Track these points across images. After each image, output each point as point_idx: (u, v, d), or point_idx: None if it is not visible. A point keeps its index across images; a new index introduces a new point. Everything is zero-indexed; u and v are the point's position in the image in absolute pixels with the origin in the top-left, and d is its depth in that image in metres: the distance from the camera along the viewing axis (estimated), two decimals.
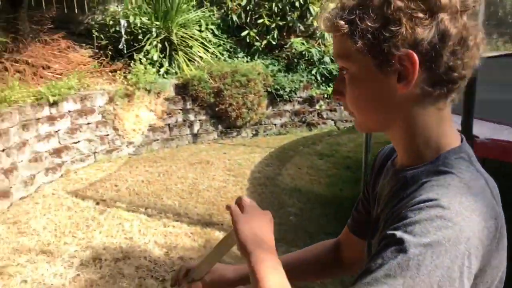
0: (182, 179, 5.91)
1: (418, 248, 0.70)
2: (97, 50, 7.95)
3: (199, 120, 7.77)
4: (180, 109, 7.58)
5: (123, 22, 7.52)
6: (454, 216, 0.72)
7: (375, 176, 1.06)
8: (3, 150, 5.20)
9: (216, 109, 7.67)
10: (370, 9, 0.78)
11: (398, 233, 0.73)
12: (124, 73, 7.28)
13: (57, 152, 6.09)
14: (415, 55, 0.77)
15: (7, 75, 6.45)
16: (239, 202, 1.02)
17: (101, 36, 8.04)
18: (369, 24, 0.78)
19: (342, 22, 0.81)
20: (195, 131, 7.75)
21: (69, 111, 6.28)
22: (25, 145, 5.60)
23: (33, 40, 7.09)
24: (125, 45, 7.56)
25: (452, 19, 0.77)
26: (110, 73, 7.34)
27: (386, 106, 0.85)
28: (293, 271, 1.04)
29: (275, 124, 8.41)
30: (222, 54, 8.31)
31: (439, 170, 0.80)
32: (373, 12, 0.78)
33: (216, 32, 8.50)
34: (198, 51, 7.81)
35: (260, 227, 0.96)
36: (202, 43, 7.93)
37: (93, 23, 8.34)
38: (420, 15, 0.76)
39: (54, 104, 6.04)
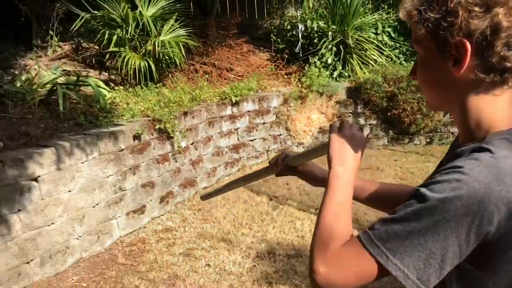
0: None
1: (432, 201, 0.83)
2: (274, 54, 8.35)
3: (370, 125, 7.63)
4: (351, 113, 7.54)
5: (300, 26, 7.76)
6: (470, 181, 0.82)
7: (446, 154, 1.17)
8: (192, 144, 5.78)
9: (389, 114, 7.44)
10: (436, 2, 0.90)
11: (422, 189, 0.86)
12: (298, 75, 7.51)
13: (235, 148, 6.55)
14: (467, 43, 0.87)
15: (197, 76, 7.16)
16: (340, 125, 1.17)
17: (278, 40, 8.41)
18: (432, 15, 0.90)
19: (414, 11, 0.93)
20: (365, 135, 7.62)
21: (248, 111, 6.71)
22: (210, 140, 6.14)
23: (219, 44, 7.73)
24: (301, 49, 7.79)
25: (506, 13, 0.85)
26: (285, 76, 7.63)
27: (445, 88, 0.97)
28: (369, 197, 1.36)
29: (452, 133, 7.83)
30: (398, 57, 8.03)
31: (479, 147, 0.89)
32: (438, 4, 0.90)
33: (393, 35, 8.25)
34: (373, 54, 7.67)
35: (349, 148, 1.10)
36: (377, 46, 7.77)
37: (272, 27, 8.76)
38: (476, 8, 0.86)
39: (235, 104, 6.51)
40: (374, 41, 7.77)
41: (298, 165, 1.46)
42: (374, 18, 8.11)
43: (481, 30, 0.86)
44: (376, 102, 7.37)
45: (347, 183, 1.06)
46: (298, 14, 8.05)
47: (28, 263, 3.73)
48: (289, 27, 8.31)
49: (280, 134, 7.04)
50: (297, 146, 7.15)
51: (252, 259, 4.05)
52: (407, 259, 0.84)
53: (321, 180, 1.42)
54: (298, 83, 7.37)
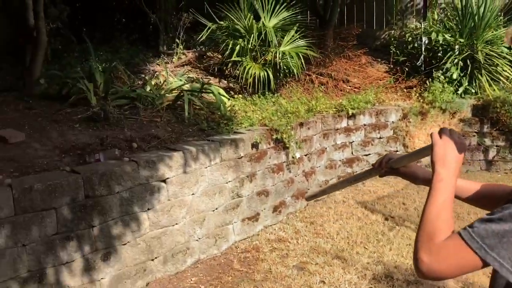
0: (475, 208, 5.43)
1: None
2: (392, 66, 8.06)
3: (496, 146, 7.03)
4: (476, 132, 7.01)
5: (424, 39, 7.41)
6: None
7: None
8: (306, 155, 5.75)
9: None
10: None
11: None
12: (419, 90, 7.16)
13: (349, 162, 6.40)
14: None
15: (312, 87, 7.14)
16: (440, 131, 1.28)
17: (397, 52, 8.11)
18: None
19: None
20: (490, 157, 7.05)
21: (364, 124, 6.53)
22: (323, 153, 6.07)
23: (337, 55, 7.64)
24: (423, 62, 7.42)
25: None
26: (405, 90, 7.32)
27: None
28: (471, 196, 1.48)
29: None
30: None
31: None
32: None
33: None
34: (505, 70, 7.07)
35: (451, 152, 1.22)
36: (510, 61, 7.15)
37: (391, 39, 8.47)
38: None
39: (352, 116, 6.37)
40: (508, 56, 7.16)
41: (401, 167, 1.58)
42: None
43: None
44: (506, 122, 6.78)
45: (449, 184, 1.19)
46: (422, 26, 7.69)
47: (152, 260, 3.94)
48: (410, 39, 7.98)
49: (397, 150, 6.75)
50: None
51: (369, 281, 3.90)
52: (503, 252, 1.01)
53: (423, 180, 1.56)
54: (419, 97, 7.03)
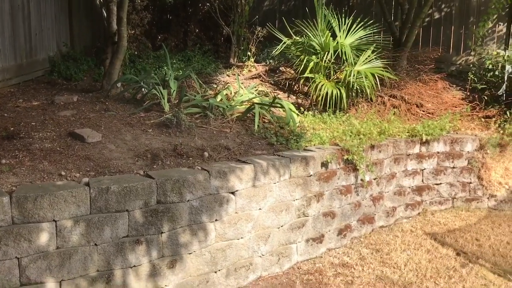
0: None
1: None
2: (468, 93, 7.69)
3: None
4: None
5: (508, 67, 7.00)
6: None
7: None
8: (374, 179, 5.54)
9: None
10: None
11: None
12: (499, 121, 6.77)
13: (418, 190, 6.11)
14: None
15: (383, 109, 6.92)
16: None
17: (475, 79, 7.73)
18: None
19: None
20: None
21: (438, 152, 6.23)
22: (393, 178, 5.83)
23: (412, 78, 7.38)
24: (504, 91, 7.02)
25: None
26: (482, 119, 6.94)
27: None
28: None
29: None
30: None
31: None
32: None
33: None
34: None
35: None
36: None
37: (469, 65, 8.10)
38: None
39: (425, 142, 6.10)
40: None
41: None
42: None
43: None
44: None
45: None
46: (506, 54, 7.29)
47: (215, 272, 3.88)
48: (490, 66, 7.58)
49: (471, 182, 6.38)
50: (488, 198, 6.40)
51: None
52: None
53: None
54: (498, 128, 6.63)
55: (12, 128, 4.40)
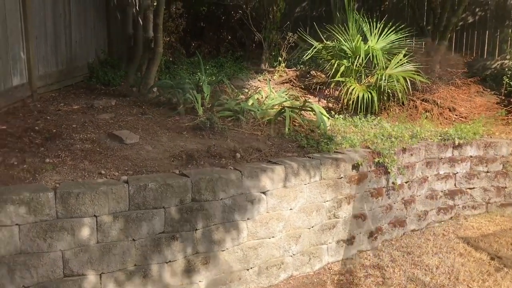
0: None
1: None
2: (503, 97, 7.57)
3: None
4: None
5: None
6: None
7: None
8: (406, 182, 5.53)
9: None
10: None
11: None
12: None
13: (451, 194, 6.05)
14: None
15: (415, 112, 6.89)
16: None
17: (511, 83, 7.60)
18: None
19: None
20: None
21: (471, 156, 6.15)
22: (425, 181, 5.80)
23: (445, 82, 7.33)
24: None
25: None
26: None
27: None
28: None
29: None
30: None
31: None
32: None
33: None
34: None
35: None
36: None
37: (505, 69, 7.98)
38: None
39: (458, 146, 6.04)
40: None
41: None
42: None
43: None
44: None
45: None
46: None
47: (247, 270, 3.97)
48: None
49: (506, 187, 6.27)
50: None
51: None
52: None
53: None
54: None
55: (54, 130, 4.63)
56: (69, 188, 3.25)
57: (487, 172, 6.25)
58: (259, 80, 7.95)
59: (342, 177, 4.69)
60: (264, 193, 4.05)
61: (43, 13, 5.89)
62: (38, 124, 4.80)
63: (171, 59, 8.24)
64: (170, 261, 3.56)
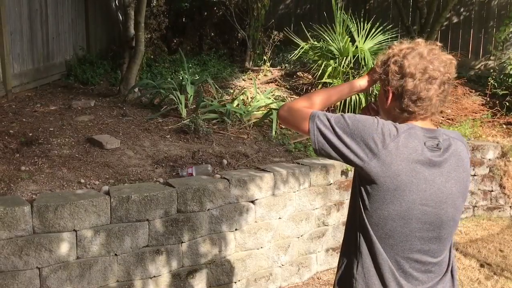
0: None
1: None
2: (488, 99, 7.56)
3: None
4: None
5: None
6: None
7: None
8: None
9: None
10: (383, 63, 1.77)
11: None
12: None
13: None
14: (390, 91, 1.71)
15: None
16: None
17: (496, 84, 7.59)
18: (380, 71, 1.76)
19: (378, 63, 1.80)
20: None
21: None
22: None
23: None
24: None
25: (411, 81, 1.65)
26: (504, 126, 6.81)
27: (383, 110, 1.81)
28: None
29: None
30: None
31: None
32: (383, 65, 1.76)
33: None
34: None
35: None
36: None
37: (489, 70, 7.97)
38: (397, 75, 1.68)
39: None
40: None
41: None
42: None
43: (396, 87, 1.69)
44: None
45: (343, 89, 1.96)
46: None
47: (235, 282, 3.82)
48: None
49: (492, 190, 6.25)
50: (510, 207, 6.27)
51: None
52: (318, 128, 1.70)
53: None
54: None
55: (30, 134, 4.39)
56: (46, 201, 3.04)
57: (474, 175, 6.21)
58: (243, 80, 7.77)
59: (331, 184, 4.56)
60: (252, 202, 3.89)
61: (19, 8, 5.60)
62: (13, 127, 4.54)
63: (152, 56, 7.99)
64: (154, 276, 3.38)
